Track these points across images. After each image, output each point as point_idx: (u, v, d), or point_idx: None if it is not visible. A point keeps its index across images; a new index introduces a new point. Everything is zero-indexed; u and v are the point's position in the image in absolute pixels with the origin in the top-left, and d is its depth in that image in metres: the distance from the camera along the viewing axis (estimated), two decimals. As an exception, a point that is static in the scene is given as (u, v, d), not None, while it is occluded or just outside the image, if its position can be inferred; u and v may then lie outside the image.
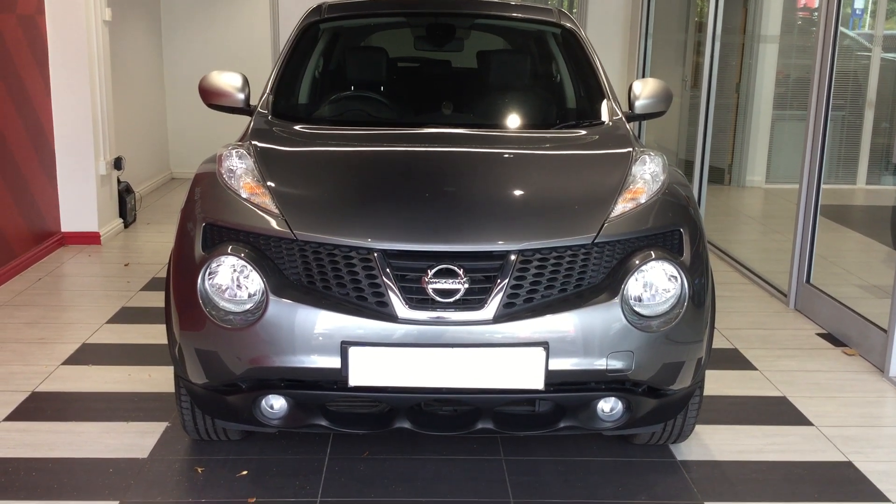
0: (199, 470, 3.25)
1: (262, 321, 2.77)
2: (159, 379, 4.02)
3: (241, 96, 3.84)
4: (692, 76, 8.31)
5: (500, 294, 2.78)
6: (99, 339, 4.57)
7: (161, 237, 6.73)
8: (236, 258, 2.82)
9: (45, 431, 3.53)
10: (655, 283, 2.86)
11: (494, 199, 3.08)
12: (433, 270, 2.77)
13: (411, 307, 2.76)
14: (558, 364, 2.77)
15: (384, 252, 2.80)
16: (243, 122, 3.94)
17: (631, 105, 3.91)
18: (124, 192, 6.99)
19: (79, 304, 5.18)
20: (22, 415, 3.68)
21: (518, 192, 3.16)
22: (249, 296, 2.82)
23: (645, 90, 3.90)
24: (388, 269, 2.78)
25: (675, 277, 2.87)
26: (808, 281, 5.18)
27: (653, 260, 2.85)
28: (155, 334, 4.55)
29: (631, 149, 3.40)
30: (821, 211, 5.11)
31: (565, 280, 2.84)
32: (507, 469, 3.30)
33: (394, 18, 4.76)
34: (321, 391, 2.85)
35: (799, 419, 3.79)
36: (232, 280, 2.83)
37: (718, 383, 4.09)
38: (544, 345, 2.75)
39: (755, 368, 4.34)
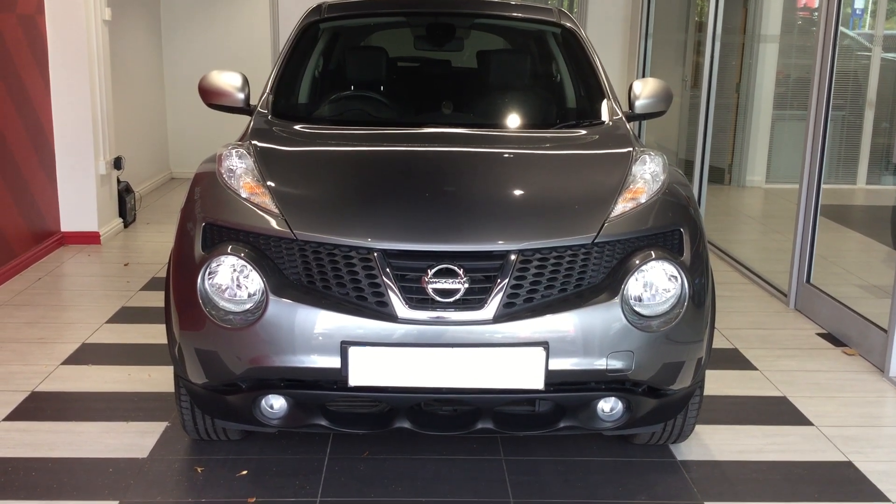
0: (199, 470, 3.25)
1: (262, 321, 2.77)
2: (159, 379, 4.02)
3: (241, 96, 3.84)
4: (692, 76, 8.31)
5: (500, 294, 2.77)
6: (99, 338, 4.57)
7: (161, 237, 6.73)
8: (236, 258, 2.81)
9: (45, 431, 3.53)
10: (655, 283, 2.86)
11: (494, 198, 3.08)
12: (433, 270, 2.77)
13: (411, 307, 2.76)
14: (558, 364, 2.77)
15: (384, 252, 2.80)
16: (243, 121, 3.94)
17: (631, 105, 3.91)
18: (124, 192, 6.99)
19: (78, 303, 5.17)
20: (22, 414, 3.68)
21: (518, 192, 3.16)
22: (249, 295, 2.82)
23: (645, 90, 3.90)
24: (388, 269, 2.78)
25: (676, 277, 2.87)
26: (808, 281, 5.18)
27: (653, 260, 2.85)
28: (155, 334, 4.55)
29: (631, 148, 3.40)
30: (821, 211, 5.11)
31: (565, 280, 2.84)
32: (507, 469, 3.30)
33: (394, 18, 4.76)
34: (321, 391, 2.85)
35: (799, 419, 3.79)
36: (232, 280, 2.82)
37: (718, 383, 4.09)
38: (544, 345, 2.75)
39: (755, 368, 4.34)
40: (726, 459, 3.42)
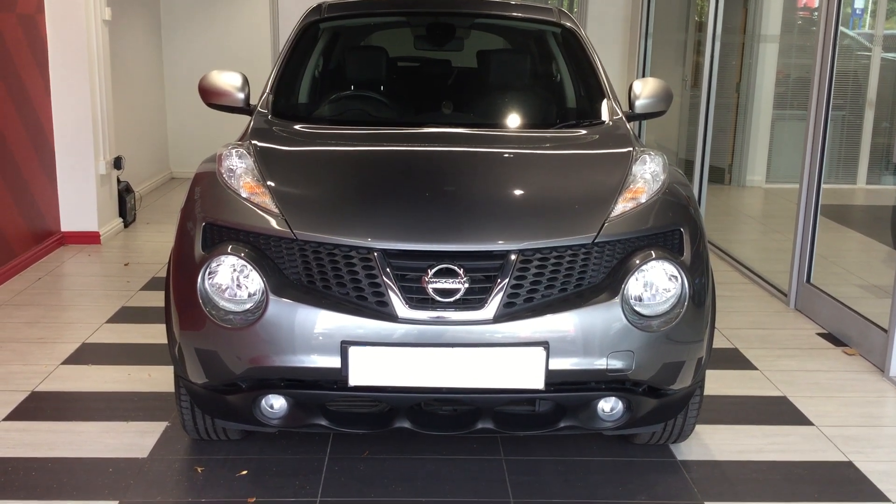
0: (199, 469, 3.25)
1: (262, 321, 2.77)
2: (159, 378, 4.02)
3: (241, 96, 3.84)
4: (692, 76, 8.31)
5: (501, 294, 2.77)
6: (99, 338, 4.57)
7: (161, 237, 6.73)
8: (236, 258, 2.81)
9: (45, 431, 3.53)
10: (656, 283, 2.86)
11: (495, 198, 3.07)
12: (433, 270, 2.77)
13: (411, 307, 2.76)
14: (558, 364, 2.77)
15: (384, 252, 2.80)
16: (243, 121, 3.94)
17: (631, 105, 3.91)
18: (124, 192, 6.99)
19: (78, 303, 5.17)
20: (21, 414, 3.68)
21: (518, 192, 3.16)
22: (249, 295, 2.82)
23: (645, 90, 3.90)
24: (388, 269, 2.78)
25: (676, 277, 2.87)
26: (808, 281, 5.18)
27: (653, 259, 2.85)
28: (155, 334, 4.54)
29: (631, 148, 3.40)
30: (821, 211, 5.11)
31: (565, 280, 2.84)
32: (508, 469, 3.30)
33: (394, 18, 4.76)
34: (321, 391, 2.85)
35: (799, 419, 3.79)
36: (232, 279, 2.82)
37: (719, 383, 4.09)
38: (544, 344, 2.75)
39: (755, 368, 4.34)
40: (726, 459, 3.42)
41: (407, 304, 2.76)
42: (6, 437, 3.47)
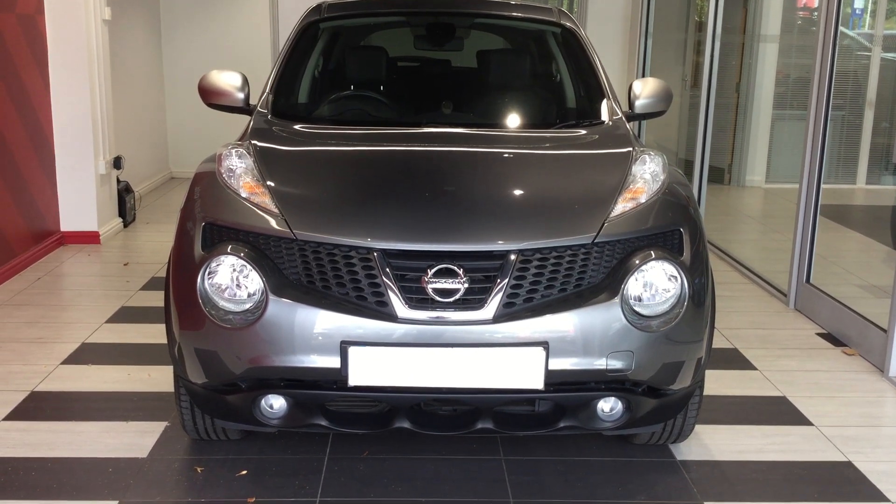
0: (199, 469, 3.25)
1: (262, 321, 2.77)
2: (159, 378, 4.02)
3: (241, 96, 3.84)
4: (692, 76, 8.31)
5: (500, 294, 2.77)
6: (98, 338, 4.57)
7: (160, 236, 6.73)
8: (236, 258, 2.81)
9: (45, 431, 3.53)
10: (655, 283, 2.86)
11: (494, 198, 3.08)
12: (433, 270, 2.77)
13: (411, 307, 2.76)
14: (558, 364, 2.77)
15: (384, 252, 2.80)
16: (243, 121, 3.94)
17: (631, 104, 3.91)
18: (124, 192, 6.99)
19: (78, 303, 5.17)
20: (21, 414, 3.68)
21: (518, 192, 3.16)
22: (249, 295, 2.82)
23: (645, 90, 3.90)
24: (387, 269, 2.78)
25: (675, 277, 2.87)
26: (807, 281, 5.18)
27: (653, 260, 2.85)
28: (154, 334, 4.54)
29: (631, 148, 3.40)
30: (821, 211, 5.11)
31: (565, 280, 2.84)
32: (507, 469, 3.30)
33: (394, 18, 4.75)
34: (321, 391, 2.85)
35: (799, 419, 3.79)
36: (231, 279, 2.82)
37: (718, 383, 4.09)
38: (544, 344, 2.75)
39: (755, 368, 4.34)
40: (726, 459, 3.42)
41: (406, 304, 2.76)
42: (6, 437, 3.47)
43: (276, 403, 2.93)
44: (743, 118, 8.67)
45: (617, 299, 2.80)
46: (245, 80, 3.87)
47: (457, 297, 2.76)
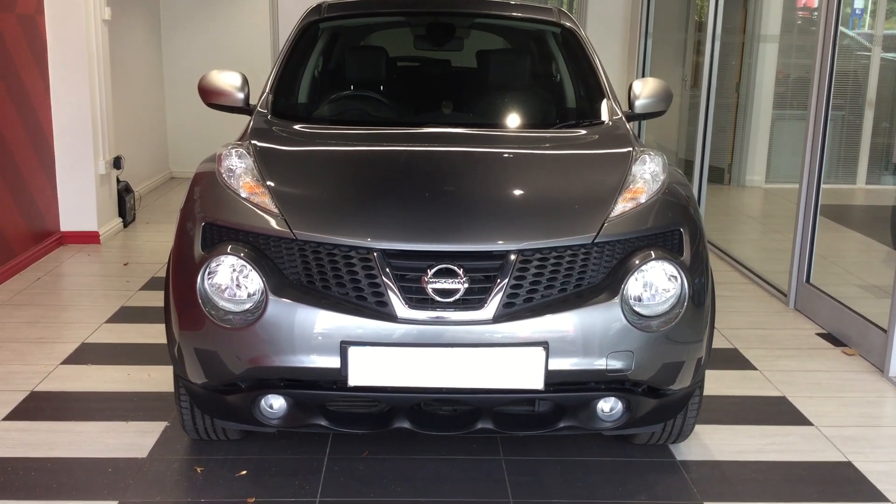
0: (199, 470, 3.25)
1: (262, 321, 2.76)
2: (159, 378, 4.02)
3: (241, 95, 3.84)
4: (692, 76, 8.30)
5: (500, 294, 2.77)
6: (98, 338, 4.57)
7: (160, 236, 6.73)
8: (236, 258, 2.81)
9: (45, 431, 3.53)
10: (655, 283, 2.86)
11: (494, 198, 3.07)
12: (433, 270, 2.77)
13: (411, 307, 2.76)
14: (558, 364, 2.77)
15: (384, 252, 2.80)
16: (243, 121, 3.94)
17: (631, 104, 3.91)
18: (123, 192, 6.99)
19: (78, 303, 5.17)
20: (21, 414, 3.67)
21: (518, 192, 3.16)
22: (249, 295, 2.81)
23: (645, 90, 3.90)
24: (387, 269, 2.78)
25: (675, 277, 2.87)
26: (807, 281, 5.18)
27: (653, 260, 2.85)
28: (154, 334, 4.54)
29: (631, 148, 3.40)
30: (821, 211, 5.11)
31: (565, 280, 2.84)
32: (507, 469, 3.30)
33: (393, 18, 4.75)
34: (321, 391, 2.85)
35: (799, 419, 3.79)
36: (231, 280, 2.82)
37: (718, 383, 4.09)
38: (544, 345, 2.75)
39: (755, 368, 4.34)
40: (726, 459, 3.42)
41: (406, 304, 2.76)
42: (6, 437, 3.47)
43: (275, 403, 2.93)
44: (743, 118, 8.67)
45: (617, 299, 2.80)
46: (245, 80, 3.87)
47: (457, 297, 2.76)
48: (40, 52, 6.04)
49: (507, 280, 2.78)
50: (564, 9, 4.88)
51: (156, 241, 6.59)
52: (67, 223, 6.40)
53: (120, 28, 7.52)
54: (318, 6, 4.42)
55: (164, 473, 3.22)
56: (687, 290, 2.87)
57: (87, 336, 4.58)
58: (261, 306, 2.77)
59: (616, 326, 2.79)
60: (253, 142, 3.37)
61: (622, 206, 3.00)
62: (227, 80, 3.85)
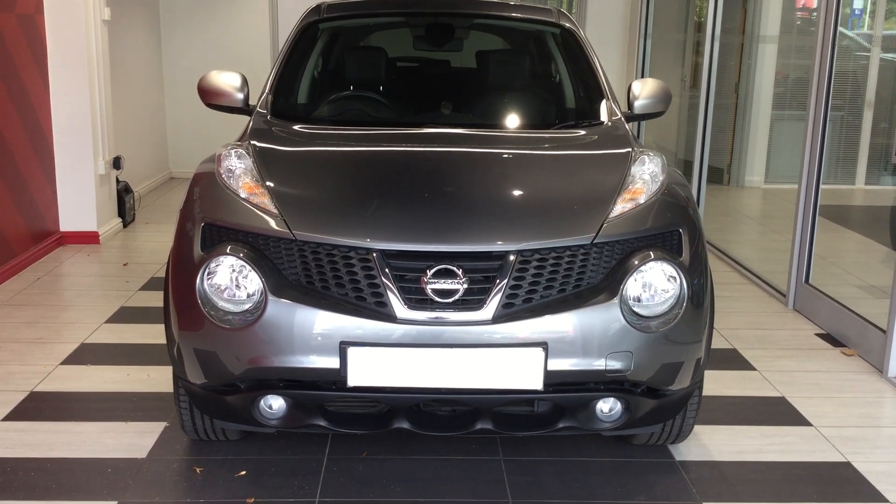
0: (198, 470, 3.25)
1: (261, 321, 2.77)
2: (158, 379, 4.02)
3: (240, 96, 3.84)
4: (691, 76, 8.31)
5: (499, 294, 2.77)
6: (98, 338, 4.57)
7: (160, 237, 6.73)
8: (235, 258, 2.81)
9: (44, 431, 3.53)
10: (654, 284, 2.86)
11: (493, 199, 3.08)
12: (432, 271, 2.77)
13: (410, 307, 2.76)
14: (557, 364, 2.77)
15: (383, 252, 2.80)
16: (242, 121, 3.94)
17: (630, 105, 3.91)
18: (123, 192, 6.99)
19: (77, 303, 5.17)
20: (20, 414, 3.68)
21: (517, 193, 3.16)
22: (248, 296, 2.82)
23: (644, 90, 3.90)
24: (386, 270, 2.78)
25: (675, 278, 2.87)
26: (807, 281, 5.18)
27: (652, 260, 2.85)
28: (154, 334, 4.54)
29: (630, 149, 3.40)
30: (820, 211, 5.11)
31: (564, 280, 2.84)
32: (506, 469, 3.30)
33: (393, 18, 4.76)
34: (320, 391, 2.85)
35: (798, 419, 3.80)
36: (231, 280, 2.82)
37: (717, 383, 4.09)
38: (543, 345, 2.75)
39: (754, 369, 4.34)
40: (725, 460, 3.42)
41: (406, 304, 2.76)
42: (5, 438, 3.47)
43: (275, 404, 2.93)
44: (742, 119, 8.67)
45: (616, 300, 2.80)
46: (244, 81, 3.87)
47: (456, 297, 2.77)
48: (40, 53, 6.04)
49: (506, 280, 2.78)
50: (564, 9, 4.88)
51: (155, 242, 6.59)
52: (67, 223, 6.41)
53: (120, 28, 7.52)
54: (318, 6, 4.42)
55: (163, 474, 3.22)
56: (686, 291, 2.87)
57: (87, 336, 4.58)
58: (260, 307, 2.77)
59: (615, 327, 2.79)
60: (252, 142, 3.37)
61: (621, 206, 3.00)
62: (227, 81, 3.85)
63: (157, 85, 9.00)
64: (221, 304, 2.83)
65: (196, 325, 2.86)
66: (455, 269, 2.77)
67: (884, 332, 4.32)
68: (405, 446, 3.42)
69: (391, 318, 2.75)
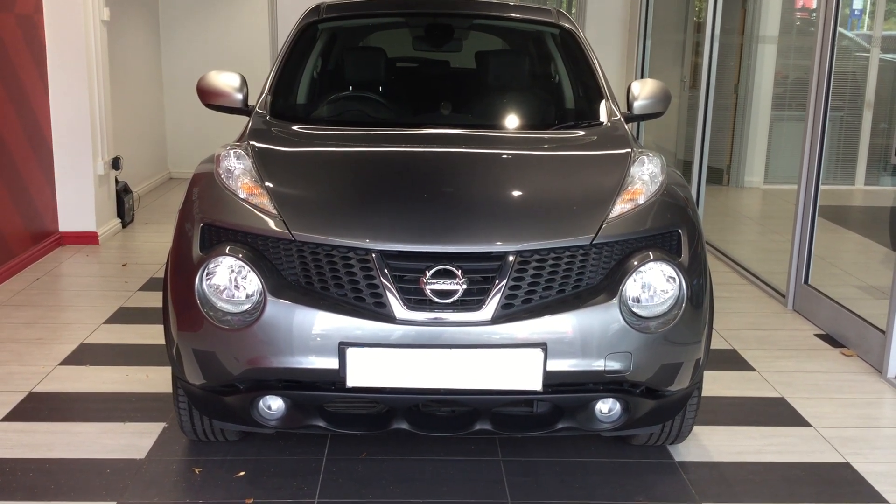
0: (197, 471, 3.25)
1: (260, 322, 2.76)
2: (157, 379, 4.01)
3: (240, 96, 3.83)
4: (691, 77, 8.31)
5: (499, 295, 2.77)
6: (97, 339, 4.56)
7: (159, 237, 6.73)
8: (234, 259, 2.81)
9: (43, 432, 3.53)
10: (654, 284, 2.86)
11: (493, 199, 3.08)
12: (431, 271, 2.77)
13: (409, 308, 2.76)
14: (556, 365, 2.77)
15: (382, 253, 2.80)
16: (241, 122, 3.93)
17: (629, 106, 3.91)
18: (122, 192, 6.99)
19: (76, 304, 5.17)
20: (19, 415, 3.67)
21: (516, 193, 3.16)
22: (247, 296, 2.81)
23: (643, 91, 3.90)
24: (386, 270, 2.78)
25: (674, 278, 2.87)
26: (806, 282, 5.18)
27: (651, 261, 2.85)
28: (153, 335, 4.54)
29: (629, 149, 3.40)
30: (819, 212, 5.11)
31: (563, 281, 2.84)
32: (506, 470, 3.29)
33: (392, 19, 4.75)
34: (319, 392, 2.85)
35: (797, 420, 3.79)
36: (230, 280, 2.82)
37: (717, 384, 4.09)
38: (542, 346, 2.75)
39: (753, 369, 4.34)
40: (724, 460, 3.42)
41: (405, 305, 2.76)
42: (4, 438, 3.47)
43: (274, 404, 2.93)
44: (741, 119, 8.67)
45: (615, 300, 2.80)
46: (244, 81, 3.87)
47: (455, 298, 2.76)
48: (39, 53, 6.04)
49: (505, 281, 2.78)
50: (563, 10, 4.88)
51: (154, 242, 6.59)
52: (66, 224, 6.40)
53: (119, 28, 7.52)
54: (317, 7, 4.42)
55: (162, 474, 3.22)
56: (685, 292, 2.87)
57: (86, 337, 4.58)
58: (259, 307, 2.77)
59: (614, 327, 2.79)
60: (251, 143, 3.37)
61: (620, 207, 3.00)
62: (226, 81, 3.84)
63: (156, 85, 9.00)
64: (220, 304, 2.83)
65: (195, 326, 2.86)
66: (454, 269, 2.77)
67: (883, 332, 4.32)
68: (404, 447, 3.42)
69: (390, 318, 2.75)
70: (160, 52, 9.10)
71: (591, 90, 4.06)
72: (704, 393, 3.49)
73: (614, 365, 2.80)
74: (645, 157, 3.28)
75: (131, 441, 3.45)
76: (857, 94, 7.68)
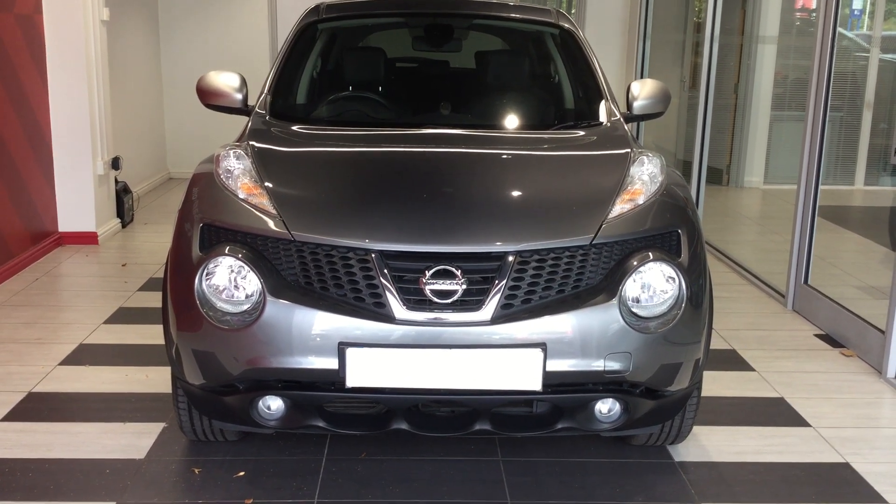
0: (196, 471, 3.25)
1: (260, 322, 2.76)
2: (156, 379, 4.01)
3: (239, 96, 3.83)
4: (690, 77, 8.31)
5: (498, 295, 2.77)
6: (96, 339, 4.56)
7: (158, 237, 6.72)
8: (234, 259, 2.81)
9: (42, 432, 3.53)
10: (653, 285, 2.86)
11: (492, 199, 3.08)
12: (431, 271, 2.77)
13: (409, 308, 2.76)
14: (556, 365, 2.77)
15: (382, 253, 2.80)
16: (241, 122, 3.93)
17: (629, 106, 3.91)
18: (122, 192, 6.99)
19: (76, 304, 5.17)
20: (19, 415, 3.67)
21: (516, 193, 3.16)
22: (247, 296, 2.81)
23: (643, 91, 3.90)
24: (385, 270, 2.78)
25: (673, 279, 2.87)
26: (805, 282, 5.18)
27: (651, 261, 2.85)
28: (152, 335, 4.54)
29: (629, 150, 3.40)
30: (819, 212, 5.11)
31: (563, 281, 2.84)
32: (505, 470, 3.29)
33: (392, 19, 4.75)
34: (318, 392, 2.85)
35: (797, 420, 3.79)
36: (229, 281, 2.82)
37: (716, 384, 4.09)
38: (542, 346, 2.75)
39: (753, 369, 4.34)
40: (724, 461, 3.42)
41: (404, 305, 2.76)
42: (3, 438, 3.46)
43: (273, 405, 2.93)
44: (741, 119, 8.67)
45: (615, 301, 2.80)
46: (243, 81, 3.87)
47: (455, 298, 2.76)
48: (39, 53, 6.04)
49: (505, 281, 2.78)
50: (563, 10, 4.88)
51: (154, 242, 6.59)
52: (66, 224, 6.40)
53: (118, 29, 7.52)
54: (317, 7, 4.42)
55: (161, 474, 3.22)
56: (685, 292, 2.87)
57: (85, 337, 4.58)
58: (259, 307, 2.77)
59: (614, 328, 2.79)
60: (251, 143, 3.37)
61: (620, 207, 3.00)
62: (226, 81, 3.84)
63: (155, 85, 9.00)
64: (220, 304, 2.83)
65: (194, 326, 2.86)
66: (454, 269, 2.77)
67: (883, 332, 4.32)
68: (404, 447, 3.42)
69: (390, 318, 2.75)
70: (160, 52, 9.10)
71: (590, 90, 4.06)
72: (704, 393, 3.49)
73: (614, 365, 2.80)
74: (644, 157, 3.28)
75: (131, 441, 3.45)
76: (857, 94, 7.68)
